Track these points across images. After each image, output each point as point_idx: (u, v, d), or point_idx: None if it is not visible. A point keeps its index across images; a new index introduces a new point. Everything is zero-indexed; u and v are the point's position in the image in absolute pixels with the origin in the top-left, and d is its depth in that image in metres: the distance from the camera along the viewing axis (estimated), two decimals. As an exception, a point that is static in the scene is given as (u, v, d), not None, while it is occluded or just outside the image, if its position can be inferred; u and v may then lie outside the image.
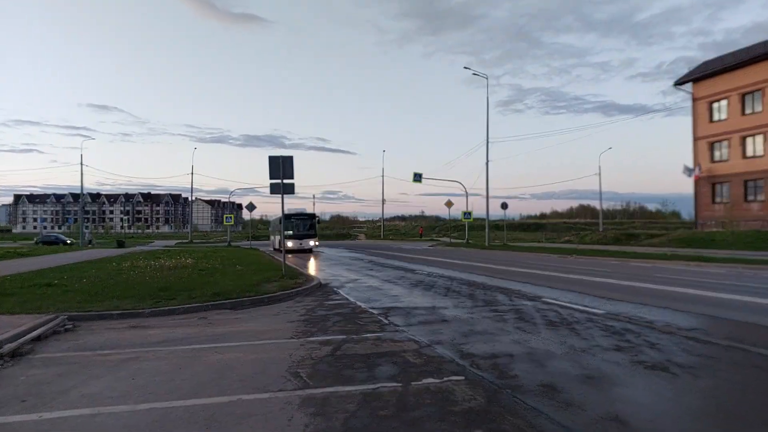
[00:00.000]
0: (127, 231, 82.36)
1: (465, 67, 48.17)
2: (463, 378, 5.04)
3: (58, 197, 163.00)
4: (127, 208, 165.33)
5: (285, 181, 13.95)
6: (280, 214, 26.00)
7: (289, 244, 31.35)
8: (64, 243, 49.21)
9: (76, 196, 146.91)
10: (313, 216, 35.12)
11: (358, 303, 10.37)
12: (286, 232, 29.99)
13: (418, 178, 41.63)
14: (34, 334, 6.92)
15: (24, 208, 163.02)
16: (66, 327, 7.71)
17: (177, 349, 6.47)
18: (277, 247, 36.13)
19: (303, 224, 33.60)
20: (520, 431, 3.71)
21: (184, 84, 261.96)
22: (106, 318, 8.60)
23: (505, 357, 5.88)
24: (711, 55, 42.46)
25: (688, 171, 35.12)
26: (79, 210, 53.67)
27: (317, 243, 35.43)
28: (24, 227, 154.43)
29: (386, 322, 8.24)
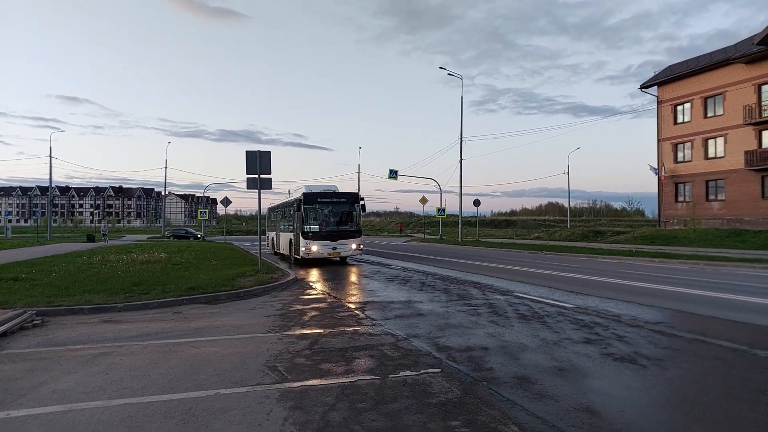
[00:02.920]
0: (97, 225, 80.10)
1: (440, 67, 48.25)
2: (439, 371, 5.13)
3: (25, 190, 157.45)
4: (97, 201, 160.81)
5: (262, 176, 13.83)
6: (277, 201, 26.40)
7: (314, 248, 17.75)
8: (195, 237, 50.45)
9: (43, 189, 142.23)
10: (355, 198, 19.04)
11: (335, 297, 10.38)
12: (308, 228, 17.90)
13: (393, 174, 41.72)
14: (0, 329, 6.72)
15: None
16: (34, 322, 7.51)
17: (152, 343, 6.38)
18: (283, 250, 22.58)
19: (338, 212, 18.84)
20: (496, 422, 3.81)
21: (159, 77, 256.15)
22: (77, 312, 8.41)
23: (480, 350, 6.00)
24: (677, 60, 43.65)
25: (654, 170, 36.15)
26: (47, 203, 51.79)
27: (361, 247, 19.09)
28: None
29: (363, 316, 8.29)
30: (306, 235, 17.95)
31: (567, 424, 3.77)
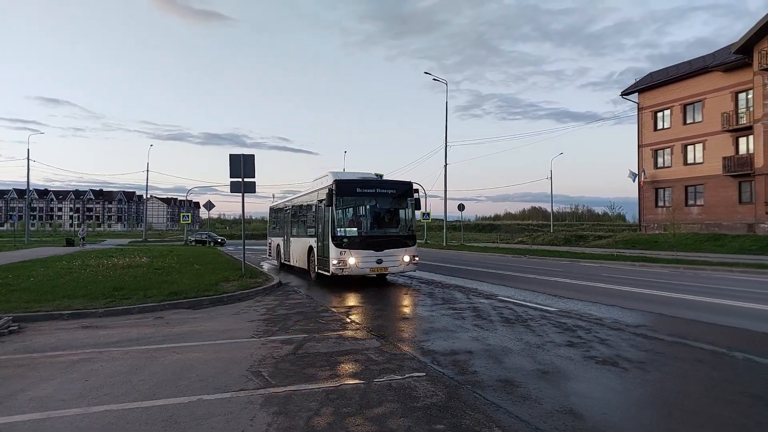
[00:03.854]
0: (76, 229, 78.56)
1: (425, 72, 48.67)
2: (424, 374, 5.13)
3: (2, 193, 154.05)
4: (77, 205, 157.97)
5: (246, 179, 13.73)
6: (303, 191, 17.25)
7: (352, 260, 12.48)
8: (215, 242, 47.91)
9: (21, 192, 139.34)
10: (408, 189, 13.63)
11: (319, 302, 10.34)
12: (341, 232, 12.64)
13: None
14: (-24, 335, 6.55)
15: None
16: (10, 328, 7.33)
17: (133, 349, 6.28)
18: (297, 262, 16.73)
19: (384, 210, 13.62)
20: (480, 425, 3.83)
21: (143, 79, 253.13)
22: (56, 318, 8.24)
23: (465, 353, 6.02)
24: (658, 67, 44.52)
25: (633, 176, 36.76)
26: (25, 207, 50.77)
27: (416, 259, 13.54)
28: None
29: (348, 320, 8.27)
30: (339, 242, 12.28)
31: (550, 427, 3.80)
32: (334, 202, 12.04)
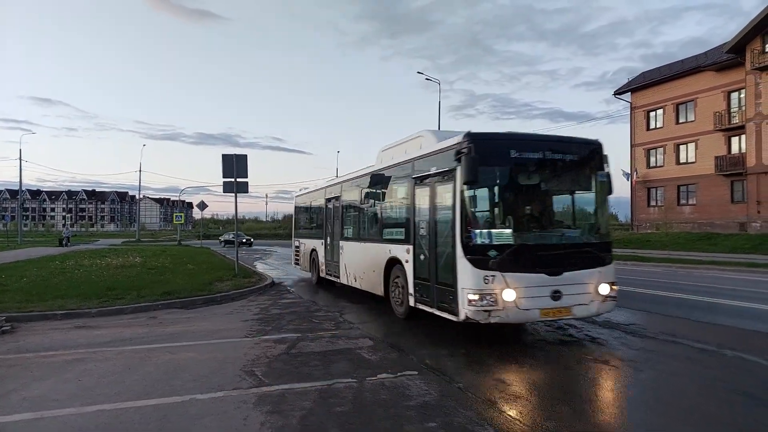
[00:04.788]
0: (69, 229, 78.23)
1: (418, 72, 48.43)
2: (416, 373, 5.16)
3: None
4: (69, 205, 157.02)
5: (238, 179, 13.70)
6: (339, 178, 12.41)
7: (509, 295, 5.89)
8: (242, 242, 45.14)
9: (13, 193, 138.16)
10: (596, 155, 6.88)
11: (313, 301, 10.35)
12: (487, 236, 6.12)
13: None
14: (-32, 336, 6.52)
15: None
16: (3, 328, 7.30)
17: (126, 349, 6.27)
18: (358, 281, 10.13)
19: (557, 192, 7.10)
20: (472, 423, 3.86)
21: (136, 79, 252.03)
22: (50, 318, 8.20)
23: (459, 355, 6.06)
24: (652, 66, 44.72)
25: (626, 176, 36.95)
26: (18, 207, 50.39)
27: (615, 289, 6.56)
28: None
29: (341, 319, 8.29)
30: (480, 258, 6.07)
31: (542, 425, 3.83)
32: (469, 178, 6.02)
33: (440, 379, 4.92)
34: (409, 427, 3.78)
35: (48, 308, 8.60)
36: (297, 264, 15.70)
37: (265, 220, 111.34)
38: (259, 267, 19.17)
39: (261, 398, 4.40)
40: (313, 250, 13.60)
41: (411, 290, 7.49)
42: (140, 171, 69.61)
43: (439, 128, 41.62)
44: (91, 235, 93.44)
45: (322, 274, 12.58)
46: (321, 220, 13.15)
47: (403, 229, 8.02)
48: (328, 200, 12.51)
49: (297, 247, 15.74)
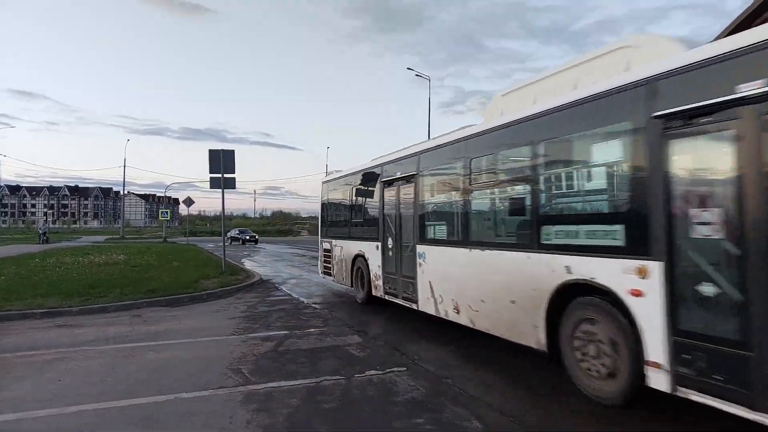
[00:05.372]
0: (51, 226, 76.97)
1: (408, 68, 47.65)
2: (405, 369, 5.15)
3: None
4: (51, 201, 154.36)
5: (226, 175, 13.56)
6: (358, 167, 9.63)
7: None
8: (245, 240, 44.05)
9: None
10: None
11: (301, 298, 10.29)
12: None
13: None
14: (-55, 336, 6.36)
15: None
16: (-19, 328, 7.14)
17: (109, 348, 6.16)
18: (425, 302, 6.99)
19: None
20: (460, 419, 3.85)
21: (121, 72, 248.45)
22: (29, 317, 8.04)
23: (451, 351, 6.06)
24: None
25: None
26: (-5, 203, 49.30)
27: None
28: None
29: (330, 316, 8.25)
30: None
31: (528, 420, 3.84)
32: None
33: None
34: (397, 423, 3.76)
35: (27, 307, 8.42)
36: (326, 273, 11.39)
37: (253, 216, 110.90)
38: (247, 264, 19.02)
39: (247, 396, 4.35)
40: (358, 256, 9.42)
41: (663, 361, 3.56)
42: (124, 166, 68.63)
43: (429, 126, 41.33)
44: (74, 232, 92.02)
45: (377, 292, 8.64)
46: (373, 213, 9.01)
47: (619, 227, 4.01)
48: (388, 183, 8.38)
49: (327, 250, 11.34)
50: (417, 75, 38.08)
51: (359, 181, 9.77)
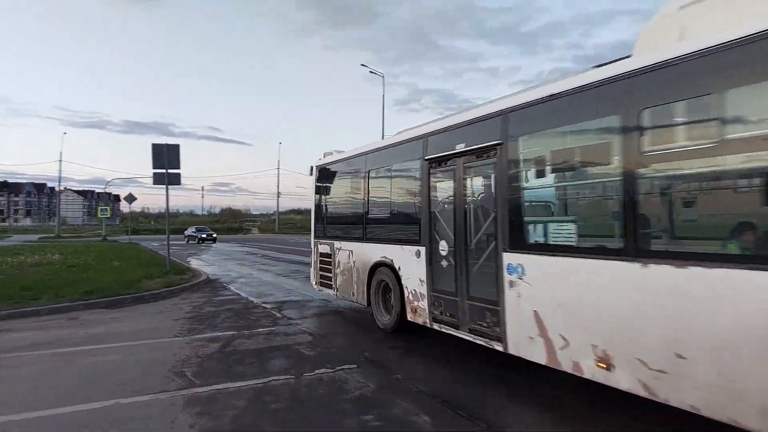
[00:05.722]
0: (-24, 224, 71.49)
1: (362, 65, 47.51)
2: (356, 366, 5.15)
3: None
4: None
5: (170, 170, 13.05)
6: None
7: None
8: (202, 239, 40.07)
9: None
10: None
11: (250, 298, 10.07)
12: None
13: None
14: None
15: None
16: None
17: (43, 353, 5.80)
18: (517, 340, 4.52)
19: None
20: (408, 413, 3.89)
21: (57, 61, 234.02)
22: (-51, 323, 7.45)
23: (401, 347, 6.11)
24: (582, 66, 46.90)
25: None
26: None
27: None
28: None
29: (279, 316, 8.12)
30: None
31: (481, 413, 3.93)
32: None
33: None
34: (346, 421, 3.75)
35: (-51, 311, 7.81)
36: (325, 285, 8.63)
37: (201, 213, 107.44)
38: (194, 263, 18.43)
39: (190, 400, 4.21)
40: (382, 265, 6.92)
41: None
42: (60, 160, 64.53)
43: (383, 123, 41.06)
44: (3, 231, 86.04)
45: (416, 317, 6.16)
46: (409, 205, 6.60)
47: None
48: (438, 162, 5.83)
49: (326, 255, 8.54)
50: (371, 72, 37.97)
51: (382, 162, 7.16)
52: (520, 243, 4.49)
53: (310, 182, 9.50)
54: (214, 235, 41.56)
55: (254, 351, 5.83)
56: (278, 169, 78.50)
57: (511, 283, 4.50)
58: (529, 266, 4.36)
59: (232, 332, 6.87)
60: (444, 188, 5.91)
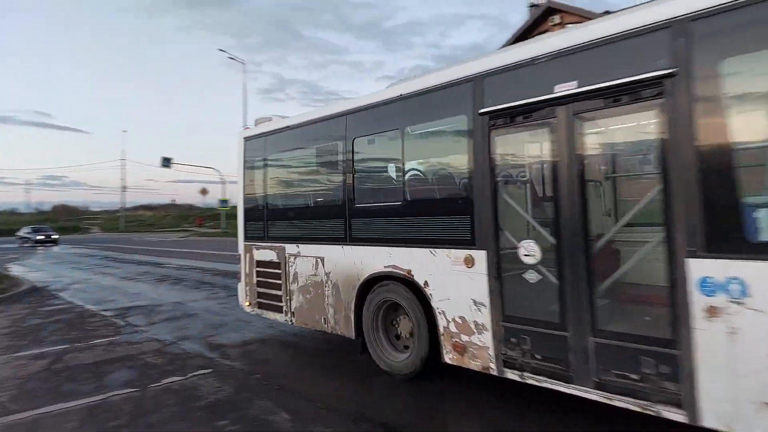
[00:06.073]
0: None
1: (220, 50, 44.65)
2: (211, 370, 4.84)
3: None
4: None
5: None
6: None
7: None
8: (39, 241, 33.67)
9: None
10: None
11: (87, 306, 8.92)
12: None
13: (167, 163, 37.66)
14: None
15: None
16: None
17: None
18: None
19: None
20: (267, 413, 3.76)
21: None
22: None
23: (257, 343, 5.90)
24: (441, 66, 50.10)
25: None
26: None
27: None
28: None
29: (123, 323, 7.32)
30: None
31: (342, 408, 3.94)
32: None
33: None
34: (197, 429, 3.50)
35: None
36: (264, 305, 6.08)
37: (25, 211, 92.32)
38: (15, 270, 15.80)
39: (7, 429, 3.58)
40: (391, 278, 4.55)
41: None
42: None
43: (245, 112, 38.59)
44: None
45: (470, 359, 3.93)
46: (447, 190, 4.36)
47: None
48: (505, 118, 3.67)
49: (269, 264, 6.02)
50: (230, 58, 35.69)
51: (381, 124, 4.78)
52: (732, 242, 2.63)
53: (234, 161, 6.77)
54: (55, 237, 35.80)
55: (90, 365, 5.16)
56: (122, 159, 70.74)
57: (711, 311, 2.68)
58: (754, 282, 2.54)
59: (63, 346, 6.01)
60: (528, 157, 4.23)
